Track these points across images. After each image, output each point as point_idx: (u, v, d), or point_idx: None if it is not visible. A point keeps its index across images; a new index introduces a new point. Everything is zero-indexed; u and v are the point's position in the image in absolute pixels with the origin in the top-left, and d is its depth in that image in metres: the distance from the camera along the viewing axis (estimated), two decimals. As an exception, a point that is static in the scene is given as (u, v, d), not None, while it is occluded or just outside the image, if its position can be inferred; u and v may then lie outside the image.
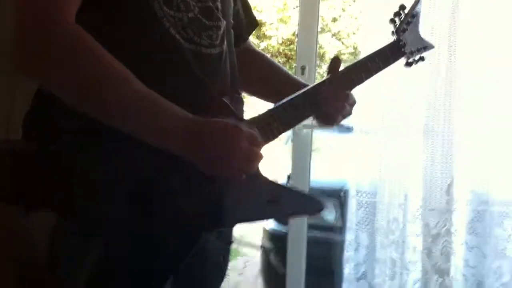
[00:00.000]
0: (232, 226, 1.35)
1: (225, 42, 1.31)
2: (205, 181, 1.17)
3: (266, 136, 1.28)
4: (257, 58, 1.58)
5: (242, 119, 1.25)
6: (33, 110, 1.20)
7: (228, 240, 1.40)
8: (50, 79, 1.09)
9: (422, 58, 1.58)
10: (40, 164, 1.14)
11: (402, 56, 1.52)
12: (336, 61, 1.43)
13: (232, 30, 1.38)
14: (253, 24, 1.55)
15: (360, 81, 1.45)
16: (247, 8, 1.51)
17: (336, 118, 1.43)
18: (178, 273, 1.18)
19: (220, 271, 1.43)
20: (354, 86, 1.45)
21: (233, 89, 1.33)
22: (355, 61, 1.49)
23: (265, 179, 1.27)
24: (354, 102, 1.45)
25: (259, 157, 1.16)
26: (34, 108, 1.20)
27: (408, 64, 1.57)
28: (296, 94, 1.37)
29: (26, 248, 1.56)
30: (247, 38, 1.56)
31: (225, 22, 1.31)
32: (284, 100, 1.34)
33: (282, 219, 3.09)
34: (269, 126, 1.29)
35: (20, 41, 1.08)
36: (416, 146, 2.55)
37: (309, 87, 1.42)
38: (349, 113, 1.45)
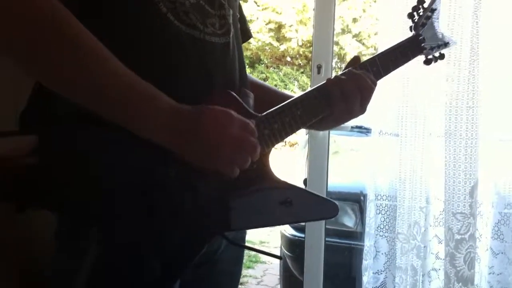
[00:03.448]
0: (241, 229, 1.28)
1: (231, 34, 1.23)
2: (213, 180, 1.09)
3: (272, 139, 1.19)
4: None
5: (253, 114, 1.17)
6: (30, 105, 1.12)
7: (240, 245, 1.33)
8: (23, 47, 0.97)
9: (442, 56, 1.50)
10: (35, 160, 1.05)
11: (421, 52, 1.45)
12: (356, 59, 1.37)
13: (238, 24, 1.30)
14: (245, 35, 1.43)
15: (379, 77, 1.38)
16: (243, 20, 1.41)
17: (345, 115, 1.32)
18: (181, 278, 1.11)
19: (234, 279, 1.37)
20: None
21: (242, 83, 1.25)
22: (372, 56, 1.41)
23: (277, 179, 1.19)
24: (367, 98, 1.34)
25: (253, 147, 1.06)
26: (31, 103, 1.12)
27: (427, 62, 1.49)
28: (305, 92, 1.28)
29: (28, 248, 1.52)
30: None
31: (231, 11, 1.23)
32: (292, 99, 1.25)
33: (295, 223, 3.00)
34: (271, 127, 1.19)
35: None
36: (438, 147, 2.48)
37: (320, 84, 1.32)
38: (360, 112, 1.34)
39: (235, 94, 1.16)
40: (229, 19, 1.22)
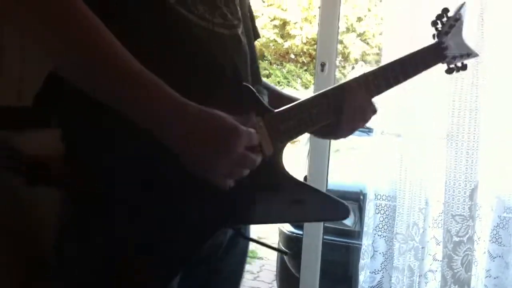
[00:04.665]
0: (251, 224, 1.27)
1: (241, 27, 1.22)
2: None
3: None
4: None
5: (268, 109, 1.16)
6: (43, 91, 1.12)
7: (246, 239, 1.32)
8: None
9: (464, 67, 1.47)
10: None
11: (443, 59, 1.42)
12: None
13: (249, 21, 1.30)
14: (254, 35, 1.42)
15: (397, 82, 1.37)
16: (252, 19, 1.39)
17: (354, 126, 1.32)
18: (190, 264, 1.11)
19: (240, 270, 1.37)
20: (389, 87, 1.36)
21: (254, 78, 1.24)
22: (391, 60, 1.38)
23: (290, 176, 1.18)
24: (375, 110, 1.35)
25: (253, 164, 1.06)
26: (43, 89, 1.12)
27: (450, 70, 1.47)
28: (323, 91, 1.27)
29: (32, 227, 1.52)
30: None
31: (238, 7, 1.23)
32: (309, 97, 1.24)
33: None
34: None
35: None
36: (439, 149, 2.48)
37: (331, 87, 1.30)
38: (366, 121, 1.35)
39: (252, 88, 1.15)
40: (237, 13, 1.22)
